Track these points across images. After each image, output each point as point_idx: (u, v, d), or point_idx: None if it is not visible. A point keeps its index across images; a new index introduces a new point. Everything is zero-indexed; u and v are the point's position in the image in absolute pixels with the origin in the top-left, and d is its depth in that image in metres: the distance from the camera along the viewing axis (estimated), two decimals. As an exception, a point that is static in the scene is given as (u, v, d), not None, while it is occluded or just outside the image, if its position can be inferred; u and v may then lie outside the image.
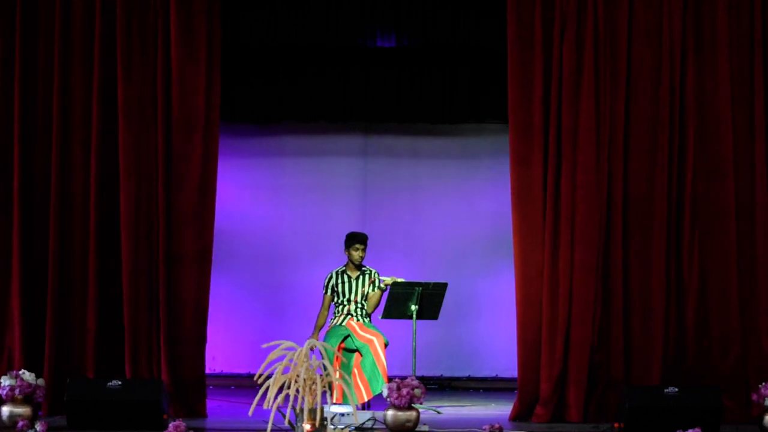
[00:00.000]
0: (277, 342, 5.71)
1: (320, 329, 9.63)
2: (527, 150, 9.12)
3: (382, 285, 9.60)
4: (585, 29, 9.08)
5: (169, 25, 9.10)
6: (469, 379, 11.95)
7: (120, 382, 8.37)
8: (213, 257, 11.11)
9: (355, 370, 9.28)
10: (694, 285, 9.16)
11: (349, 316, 9.61)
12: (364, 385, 9.22)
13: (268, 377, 5.60)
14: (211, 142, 9.14)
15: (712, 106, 9.23)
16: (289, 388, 5.61)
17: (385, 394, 8.12)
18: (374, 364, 9.25)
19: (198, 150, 9.10)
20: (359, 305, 9.65)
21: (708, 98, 9.23)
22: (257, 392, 5.61)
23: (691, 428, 7.50)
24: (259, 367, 5.67)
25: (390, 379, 8.51)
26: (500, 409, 9.82)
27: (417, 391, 8.03)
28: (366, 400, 9.21)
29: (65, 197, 9.11)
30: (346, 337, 9.42)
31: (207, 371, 10.81)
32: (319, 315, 9.75)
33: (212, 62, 9.15)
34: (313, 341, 8.28)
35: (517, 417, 9.06)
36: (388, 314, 9.72)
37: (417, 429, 8.06)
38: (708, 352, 9.13)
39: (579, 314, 8.99)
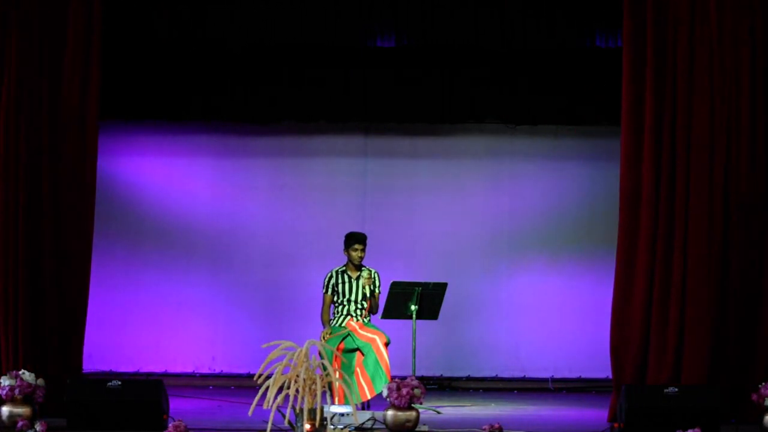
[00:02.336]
0: (276, 342, 5.68)
1: (328, 322, 9.56)
2: (638, 151, 9.00)
3: (366, 284, 9.54)
4: (697, 30, 8.95)
5: (46, 19, 9.00)
6: (469, 379, 11.89)
7: (120, 383, 8.32)
8: (213, 257, 11.71)
9: (358, 370, 9.22)
10: None
11: (349, 317, 9.53)
12: (367, 384, 9.16)
13: (268, 377, 5.58)
14: (89, 139, 9.01)
15: None
16: (288, 388, 5.59)
17: (384, 394, 8.06)
18: (377, 362, 9.19)
19: (72, 147, 8.96)
20: (359, 305, 9.57)
21: None
22: (257, 392, 5.59)
23: (691, 428, 7.44)
24: (258, 367, 5.64)
25: (391, 379, 8.49)
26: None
27: (417, 391, 7.97)
28: (369, 397, 9.16)
29: None
30: (345, 338, 9.35)
31: (207, 371, 11.73)
32: (322, 313, 9.68)
33: (89, 56, 9.01)
34: (324, 333, 8.66)
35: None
36: (387, 314, 9.67)
37: (417, 429, 8.00)
38: None
39: (694, 316, 8.82)
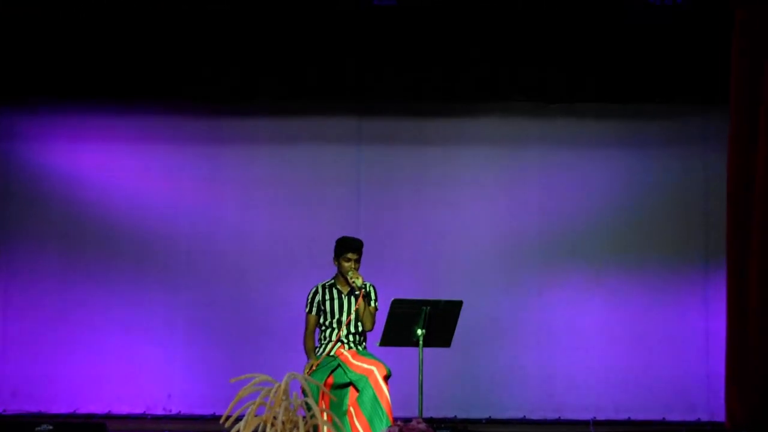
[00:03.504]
0: (248, 376, 5.23)
1: (313, 350, 8.78)
2: (752, 137, 8.80)
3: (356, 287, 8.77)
4: None
5: None
6: (490, 421, 10.98)
7: (51, 427, 8.17)
8: (169, 269, 11.21)
9: (352, 409, 8.44)
10: None
11: (340, 343, 8.75)
12: (363, 427, 8.35)
13: (238, 420, 5.07)
14: None
15: None
16: (263, 432, 5.13)
17: (385, 440, 7.20)
18: (375, 399, 8.36)
19: None
20: (351, 329, 8.77)
21: None
22: (224, 438, 5.29)
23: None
24: (226, 407, 5.08)
25: (393, 421, 8.08)
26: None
27: (424, 437, 7.20)
28: (366, 444, 8.61)
29: None
30: (335, 370, 8.55)
31: (161, 412, 11.15)
32: (305, 338, 8.85)
33: None
34: (308, 364, 8.32)
35: None
36: (388, 340, 8.67)
37: (424, 482, 7.46)
38: None
39: None
